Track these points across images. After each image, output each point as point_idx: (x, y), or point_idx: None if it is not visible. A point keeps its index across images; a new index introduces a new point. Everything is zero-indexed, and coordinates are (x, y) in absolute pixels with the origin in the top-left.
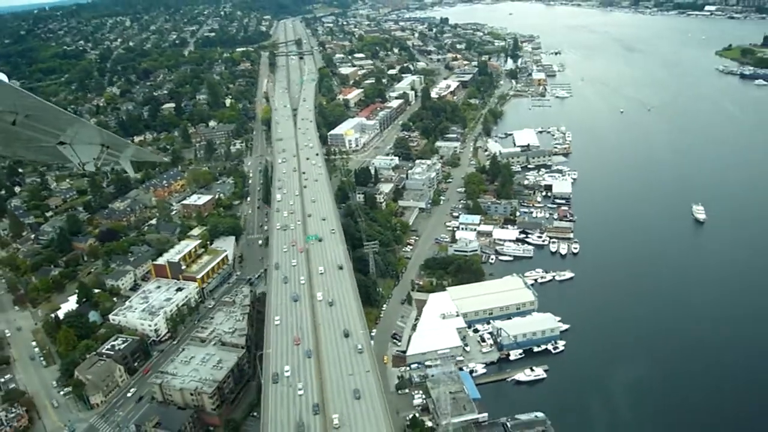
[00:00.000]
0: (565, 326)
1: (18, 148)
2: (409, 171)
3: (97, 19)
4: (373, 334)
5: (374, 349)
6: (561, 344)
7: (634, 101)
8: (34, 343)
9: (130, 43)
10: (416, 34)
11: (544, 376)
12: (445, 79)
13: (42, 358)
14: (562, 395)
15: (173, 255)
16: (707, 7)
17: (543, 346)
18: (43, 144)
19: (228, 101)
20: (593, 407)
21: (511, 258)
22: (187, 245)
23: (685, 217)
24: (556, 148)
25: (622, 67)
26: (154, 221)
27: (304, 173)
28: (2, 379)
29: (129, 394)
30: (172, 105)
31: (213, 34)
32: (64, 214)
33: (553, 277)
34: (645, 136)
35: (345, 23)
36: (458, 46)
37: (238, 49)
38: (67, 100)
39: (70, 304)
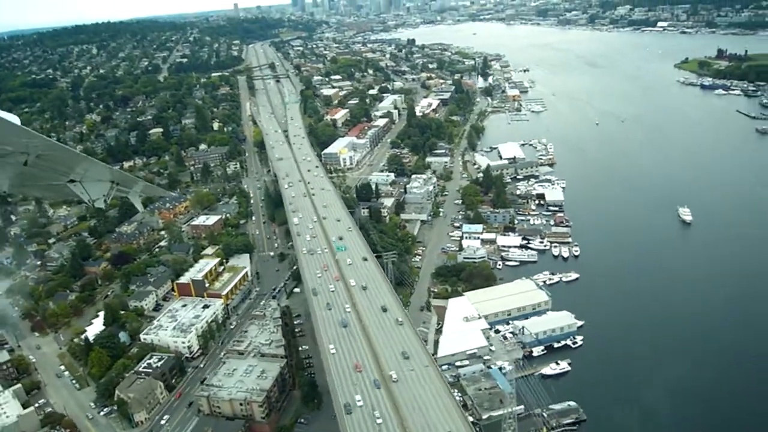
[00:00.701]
0: (580, 322)
1: (29, 187)
2: (408, 186)
3: (62, 47)
4: None
5: None
6: (579, 339)
7: (606, 114)
8: (62, 367)
9: (101, 71)
10: (387, 55)
11: (569, 368)
12: (425, 97)
13: (74, 381)
14: (588, 385)
15: (194, 273)
16: (660, 24)
17: (562, 342)
18: (53, 182)
19: (216, 125)
20: (618, 393)
21: (517, 263)
22: (206, 263)
23: (672, 218)
24: (541, 159)
25: (589, 81)
26: (163, 243)
27: (309, 183)
28: (36, 404)
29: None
30: (160, 130)
31: (185, 59)
32: (69, 240)
33: (560, 278)
34: (623, 146)
35: (314, 46)
36: (430, 66)
37: (213, 74)
38: (44, 129)
39: (96, 326)
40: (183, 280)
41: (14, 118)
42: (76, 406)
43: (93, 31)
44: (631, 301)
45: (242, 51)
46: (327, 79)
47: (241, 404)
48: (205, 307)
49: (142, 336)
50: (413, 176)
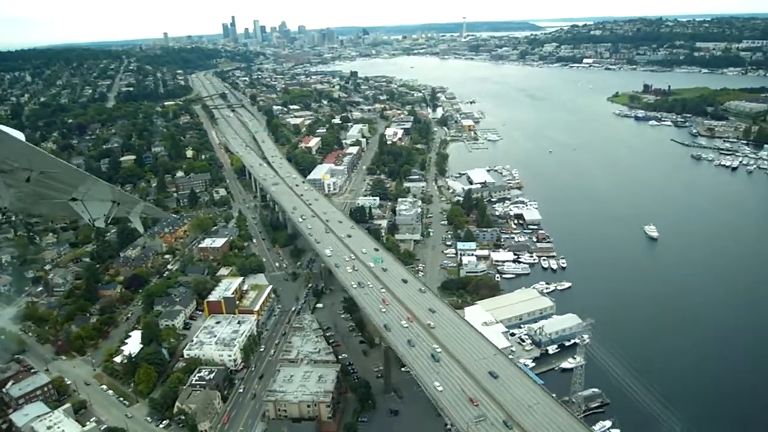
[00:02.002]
0: (585, 322)
1: (30, 204)
2: (397, 208)
3: None
4: None
5: None
6: (586, 337)
7: (557, 142)
8: (104, 386)
9: (42, 99)
10: (336, 87)
11: (584, 362)
12: (387, 127)
13: (121, 399)
14: (604, 374)
15: (221, 292)
16: (585, 60)
17: (573, 341)
18: (55, 200)
19: (189, 152)
20: (631, 378)
21: (512, 275)
22: (230, 283)
23: (640, 234)
24: (510, 183)
25: (533, 113)
26: (170, 266)
27: (311, 204)
28: (89, 422)
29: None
30: (132, 157)
31: (132, 88)
32: (69, 266)
33: (555, 287)
34: (579, 171)
35: (259, 77)
36: (381, 98)
37: (167, 103)
38: None
39: (131, 346)
40: (213, 298)
41: (19, 134)
42: (131, 422)
43: (21, 57)
44: (620, 303)
45: (186, 80)
46: (286, 108)
47: (308, 406)
48: (240, 322)
49: (185, 352)
50: (399, 200)
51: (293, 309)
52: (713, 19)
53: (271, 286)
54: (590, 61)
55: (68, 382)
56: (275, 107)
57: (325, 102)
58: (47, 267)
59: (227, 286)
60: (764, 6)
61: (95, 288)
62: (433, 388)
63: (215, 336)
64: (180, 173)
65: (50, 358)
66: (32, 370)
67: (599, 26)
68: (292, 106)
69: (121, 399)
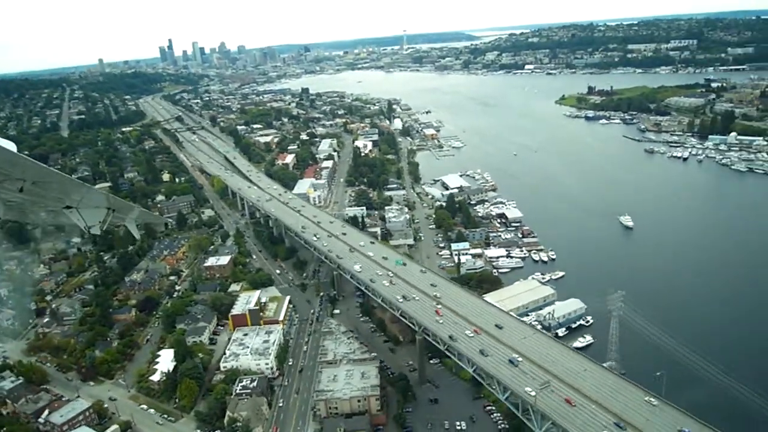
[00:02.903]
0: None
1: (25, 214)
2: (386, 216)
3: None
4: None
5: None
6: (589, 318)
7: (518, 145)
8: (144, 406)
9: None
10: (292, 104)
11: (593, 341)
12: (355, 140)
13: (165, 416)
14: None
15: (242, 306)
16: (527, 66)
17: (578, 323)
18: (50, 208)
19: (165, 176)
20: (637, 350)
21: (507, 269)
22: (248, 296)
23: (616, 225)
24: (484, 186)
25: (488, 119)
26: (178, 286)
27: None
28: None
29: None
30: (107, 184)
31: (83, 116)
32: (73, 295)
33: (550, 277)
34: (546, 171)
35: (210, 98)
36: (339, 112)
37: (124, 129)
38: None
39: (163, 364)
40: (236, 312)
41: (11, 145)
42: None
43: None
44: (613, 284)
45: (137, 105)
46: (249, 128)
47: (358, 401)
48: (267, 333)
49: (221, 364)
50: (386, 207)
51: (311, 317)
52: (640, 22)
53: (288, 297)
54: (532, 67)
55: (105, 406)
56: (239, 127)
57: (286, 120)
58: (48, 297)
59: (247, 299)
60: (684, 8)
61: (110, 313)
62: (525, 393)
63: (247, 347)
64: (160, 197)
65: (77, 385)
66: (63, 398)
67: (536, 34)
68: (254, 126)
69: (165, 416)
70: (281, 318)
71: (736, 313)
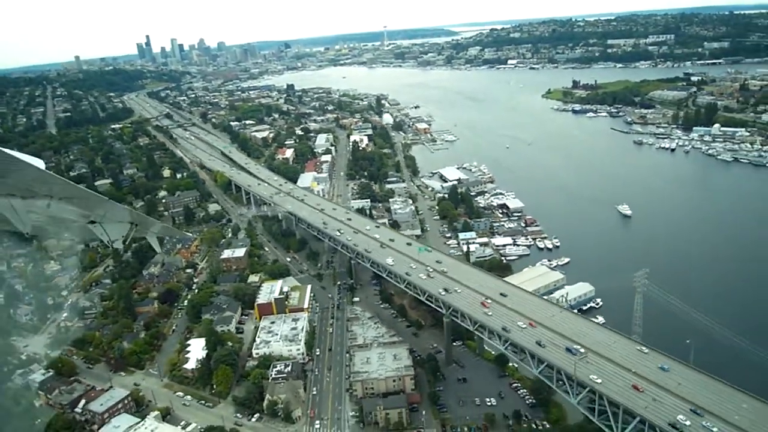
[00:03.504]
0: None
1: (51, 229)
2: (392, 207)
3: None
4: None
5: None
6: (599, 300)
7: (510, 138)
8: (179, 393)
9: None
10: (281, 100)
11: (604, 321)
12: (348, 135)
13: (202, 402)
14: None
15: (267, 295)
16: (510, 61)
17: (589, 305)
18: (75, 224)
19: (166, 172)
20: (661, 323)
21: (515, 257)
22: (271, 286)
23: (614, 213)
24: (482, 178)
25: (478, 113)
26: (196, 279)
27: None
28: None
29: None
30: (108, 181)
31: (70, 114)
32: (91, 289)
33: (556, 263)
34: (541, 162)
35: (198, 95)
36: (328, 108)
37: (113, 126)
38: None
39: (194, 353)
40: (262, 301)
41: (40, 163)
42: (222, 421)
43: None
44: (616, 268)
45: (122, 102)
46: (243, 123)
47: (394, 381)
48: (294, 320)
49: (254, 351)
50: (391, 200)
51: (331, 305)
52: (617, 17)
53: (310, 286)
54: (515, 62)
55: (141, 393)
56: (232, 123)
57: (277, 115)
58: (64, 293)
59: (270, 289)
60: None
61: (133, 306)
62: (592, 380)
63: (277, 334)
64: (163, 192)
65: (109, 376)
66: (97, 389)
67: (517, 29)
68: (247, 122)
69: (202, 402)
70: (306, 306)
71: (741, 285)
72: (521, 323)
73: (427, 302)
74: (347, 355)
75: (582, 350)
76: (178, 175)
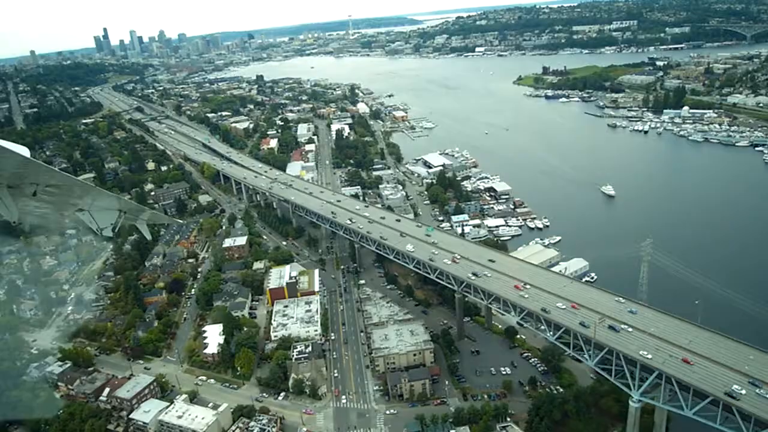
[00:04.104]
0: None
1: (38, 217)
2: (383, 193)
3: None
4: None
5: None
6: (593, 275)
7: (488, 124)
8: (202, 377)
9: None
10: (253, 91)
11: None
12: (329, 124)
13: (226, 384)
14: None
15: (277, 280)
16: (478, 49)
17: (584, 279)
18: (62, 212)
19: (151, 164)
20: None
21: (508, 237)
22: (280, 271)
23: (598, 194)
24: (466, 163)
25: (453, 101)
26: (200, 268)
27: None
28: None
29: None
30: (91, 175)
31: (36, 109)
32: (95, 282)
33: (548, 241)
34: (521, 147)
35: (164, 88)
36: (302, 98)
37: (85, 120)
38: None
39: (212, 338)
40: (273, 286)
41: (25, 150)
42: (248, 401)
43: None
44: (605, 243)
45: (90, 97)
46: (219, 115)
47: (414, 355)
48: (307, 303)
49: (272, 333)
50: (381, 186)
51: (338, 288)
52: (580, 4)
53: (317, 270)
54: (482, 49)
55: (165, 379)
56: (209, 115)
57: (252, 106)
58: (65, 287)
59: (279, 274)
60: None
61: (141, 297)
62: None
63: (292, 317)
64: (149, 185)
65: (129, 364)
66: (120, 377)
67: (483, 16)
68: (224, 113)
69: (226, 384)
70: (316, 289)
71: (722, 249)
72: (560, 304)
73: (437, 280)
74: (362, 333)
75: (629, 329)
76: (163, 168)
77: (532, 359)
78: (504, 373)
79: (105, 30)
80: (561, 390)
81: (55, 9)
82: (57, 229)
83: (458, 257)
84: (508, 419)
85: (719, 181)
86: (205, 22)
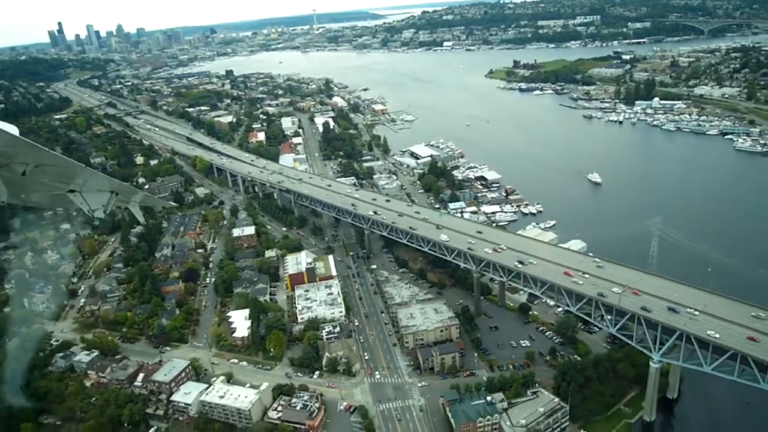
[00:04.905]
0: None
1: (28, 197)
2: (378, 183)
3: None
4: None
5: None
6: (591, 254)
7: (467, 117)
8: (234, 360)
9: None
10: (227, 86)
11: None
12: (311, 118)
13: (259, 366)
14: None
15: (295, 266)
16: (446, 43)
17: None
18: (53, 192)
19: (139, 159)
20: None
21: (505, 222)
22: (296, 258)
23: (585, 181)
24: (453, 153)
25: (429, 94)
26: (212, 257)
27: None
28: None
29: None
30: None
31: (2, 105)
32: (106, 274)
33: (544, 225)
34: (503, 138)
35: (133, 83)
36: (277, 92)
37: (56, 116)
38: None
39: (238, 323)
40: (292, 271)
41: (13, 129)
42: (281, 380)
43: None
44: (598, 224)
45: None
46: (198, 109)
47: (441, 331)
48: (327, 287)
49: (298, 316)
50: (375, 176)
51: (351, 273)
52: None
53: (331, 256)
54: (450, 44)
55: (199, 362)
56: (189, 110)
57: (229, 101)
58: (74, 280)
59: (296, 260)
60: None
61: (159, 287)
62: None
63: (315, 300)
64: (141, 179)
65: (159, 350)
66: (150, 363)
67: (449, 11)
68: (203, 108)
69: (259, 366)
70: (334, 273)
71: (718, 225)
72: (616, 289)
73: (454, 261)
74: (382, 314)
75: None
76: (152, 162)
77: (547, 332)
78: (524, 345)
79: (60, 24)
80: (578, 358)
81: (4, 2)
82: (49, 209)
83: (503, 247)
84: (537, 385)
85: (695, 166)
86: (165, 16)
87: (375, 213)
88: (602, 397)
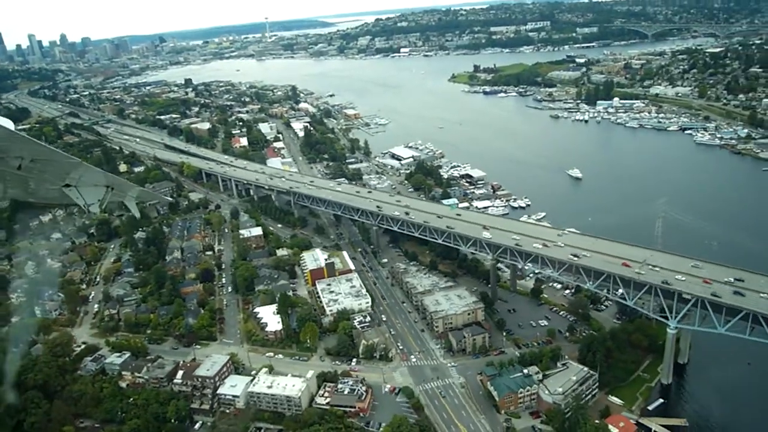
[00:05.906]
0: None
1: (25, 191)
2: (370, 183)
3: None
4: None
5: None
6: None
7: (439, 119)
8: (269, 354)
9: None
10: (190, 94)
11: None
12: (286, 123)
13: (296, 357)
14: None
15: (313, 262)
16: (403, 50)
17: None
18: (49, 186)
19: (123, 166)
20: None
21: (498, 215)
22: (313, 254)
23: (566, 177)
24: (434, 154)
25: (396, 99)
26: (223, 258)
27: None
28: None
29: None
30: None
31: None
32: (117, 279)
33: (535, 217)
34: (477, 139)
35: (91, 93)
36: (244, 99)
37: (19, 128)
38: None
39: (267, 318)
40: (311, 267)
41: (9, 123)
42: (321, 368)
43: None
44: (583, 213)
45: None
46: (170, 117)
47: (468, 314)
48: (348, 280)
49: (327, 308)
50: (365, 177)
51: (362, 268)
52: (491, 6)
53: (346, 252)
54: (407, 50)
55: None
56: (162, 117)
57: (197, 108)
58: (83, 286)
59: (313, 257)
60: None
61: (178, 289)
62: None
63: (340, 293)
64: None
65: (183, 350)
66: (183, 362)
67: (403, 18)
68: (173, 115)
69: (296, 357)
70: (352, 267)
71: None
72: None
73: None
74: (404, 304)
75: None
76: (136, 169)
77: (561, 312)
78: (543, 325)
79: None
80: (594, 333)
81: None
82: (44, 204)
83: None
84: (566, 357)
85: (663, 159)
86: (110, 25)
87: (406, 214)
88: (624, 364)
